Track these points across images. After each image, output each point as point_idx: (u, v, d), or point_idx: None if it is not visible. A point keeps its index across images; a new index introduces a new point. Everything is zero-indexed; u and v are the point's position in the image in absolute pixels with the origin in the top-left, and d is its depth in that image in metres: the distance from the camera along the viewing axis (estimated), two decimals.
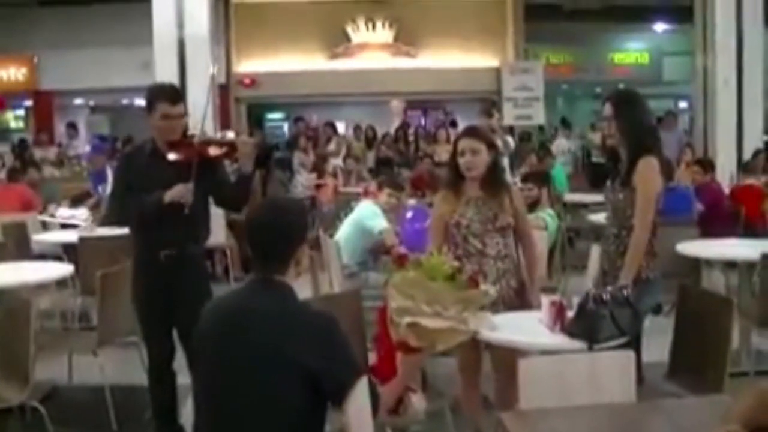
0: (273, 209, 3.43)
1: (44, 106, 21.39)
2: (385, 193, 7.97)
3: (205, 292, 5.36)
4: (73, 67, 19.32)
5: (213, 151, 5.29)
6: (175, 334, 5.45)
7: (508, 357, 4.82)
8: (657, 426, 3.24)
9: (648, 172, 4.94)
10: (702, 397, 3.61)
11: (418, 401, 3.57)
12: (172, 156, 5.20)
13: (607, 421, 3.21)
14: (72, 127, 19.44)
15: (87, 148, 18.77)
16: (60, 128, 21.22)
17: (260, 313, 3.19)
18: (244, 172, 5.38)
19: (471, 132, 5.34)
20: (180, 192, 5.14)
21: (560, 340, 4.31)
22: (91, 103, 24.00)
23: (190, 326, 4.88)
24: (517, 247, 5.23)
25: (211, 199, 5.57)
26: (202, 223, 5.53)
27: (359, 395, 3.10)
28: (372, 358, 4.85)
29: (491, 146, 5.18)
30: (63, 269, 7.09)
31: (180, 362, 5.45)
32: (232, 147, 5.34)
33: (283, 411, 3.11)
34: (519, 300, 5.11)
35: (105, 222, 9.01)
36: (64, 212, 10.90)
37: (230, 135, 6.23)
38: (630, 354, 3.73)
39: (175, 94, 5.39)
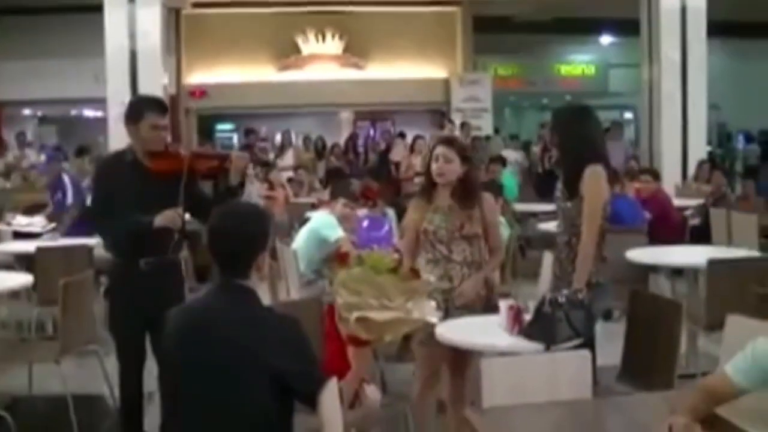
0: (234, 216, 3.48)
1: None
2: (341, 203, 8.08)
3: (183, 295, 5.51)
4: (22, 78, 19.21)
5: (204, 163, 5.38)
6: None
7: (460, 359, 5.02)
8: (612, 420, 3.41)
9: (594, 181, 5.13)
10: (653, 393, 3.77)
11: (372, 392, 3.68)
12: (158, 166, 5.26)
13: (565, 417, 3.36)
14: (22, 136, 19.32)
15: (42, 158, 18.73)
16: (8, 139, 21.06)
17: (225, 317, 3.27)
18: (232, 185, 5.47)
19: (447, 141, 5.50)
20: (170, 217, 5.18)
21: (518, 342, 4.48)
22: (40, 113, 23.86)
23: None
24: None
25: None
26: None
27: (330, 394, 3.21)
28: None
29: (465, 159, 5.34)
30: (24, 279, 7.08)
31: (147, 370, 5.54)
32: (223, 160, 5.43)
33: (252, 412, 3.18)
34: (488, 306, 5.23)
35: (70, 232, 9.04)
36: (21, 220, 10.89)
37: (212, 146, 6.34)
38: (586, 354, 3.89)
39: (163, 105, 5.47)
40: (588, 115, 5.52)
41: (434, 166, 5.29)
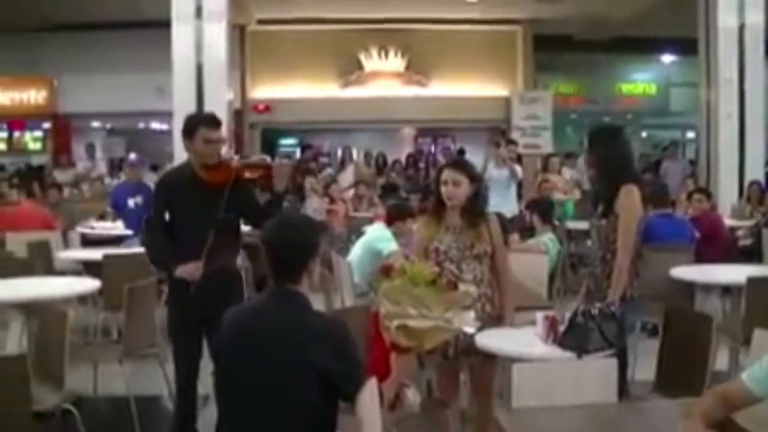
0: (288, 226, 3.80)
1: (62, 129, 21.79)
2: (408, 222, 8.24)
3: (241, 300, 5.81)
4: (90, 91, 19.72)
5: (251, 172, 5.70)
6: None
7: (485, 377, 5.27)
8: (632, 421, 3.61)
9: (628, 200, 5.37)
10: (676, 400, 3.96)
11: (413, 395, 3.93)
12: (211, 177, 5.59)
13: (588, 419, 3.58)
14: (91, 148, 19.81)
15: (103, 170, 19.28)
16: (77, 150, 21.64)
17: (277, 319, 3.54)
18: (278, 191, 5.80)
19: (454, 164, 5.70)
20: (189, 271, 5.55)
21: (553, 351, 4.71)
22: (108, 126, 24.42)
23: None
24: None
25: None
26: (236, 239, 5.94)
27: (370, 393, 3.46)
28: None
29: (473, 179, 5.50)
30: (92, 284, 7.42)
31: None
32: (268, 169, 5.75)
33: (300, 409, 3.45)
34: (497, 325, 5.40)
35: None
36: (105, 225, 11.36)
37: (263, 157, 6.68)
38: (613, 362, 4.12)
39: (215, 120, 5.80)
40: (621, 135, 5.75)
41: (443, 190, 5.45)
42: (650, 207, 7.89)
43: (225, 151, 5.99)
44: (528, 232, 9.38)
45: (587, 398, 3.80)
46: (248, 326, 3.61)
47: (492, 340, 4.96)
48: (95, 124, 23.83)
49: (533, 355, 4.68)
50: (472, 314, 3.93)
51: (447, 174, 5.48)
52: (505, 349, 4.85)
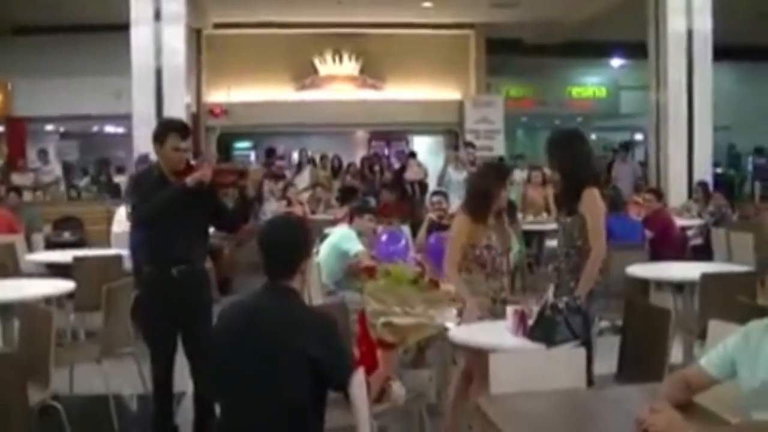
0: (282, 227, 4.08)
1: (17, 132, 21.64)
2: (367, 218, 8.58)
3: (211, 300, 6.09)
4: (46, 94, 19.60)
5: (224, 178, 5.89)
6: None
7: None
8: (601, 405, 3.87)
9: (591, 201, 5.67)
10: (641, 385, 4.22)
11: (398, 388, 4.17)
12: (189, 181, 5.73)
13: (561, 402, 3.83)
14: (43, 153, 19.75)
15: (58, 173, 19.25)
16: (31, 154, 21.52)
17: (272, 312, 3.76)
18: (248, 196, 5.99)
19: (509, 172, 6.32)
20: (199, 177, 5.67)
21: (522, 342, 4.97)
22: (62, 129, 24.32)
23: (198, 332, 5.52)
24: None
25: None
26: (205, 241, 6.14)
27: (358, 381, 3.69)
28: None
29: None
30: (67, 285, 7.56)
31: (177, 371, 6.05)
32: (240, 175, 5.93)
33: (291, 397, 3.66)
34: None
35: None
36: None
37: (234, 163, 6.86)
38: (581, 352, 4.40)
39: (185, 129, 6.01)
40: (581, 139, 6.04)
41: (503, 194, 5.95)
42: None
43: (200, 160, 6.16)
44: None
45: (558, 385, 4.05)
46: (243, 321, 3.81)
47: (465, 334, 5.20)
48: (49, 127, 23.72)
49: (504, 347, 4.91)
50: (453, 311, 4.17)
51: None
52: (479, 341, 5.09)
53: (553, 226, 10.96)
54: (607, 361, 5.64)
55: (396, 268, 4.04)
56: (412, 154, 21.00)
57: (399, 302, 3.88)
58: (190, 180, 5.67)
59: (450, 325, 4.37)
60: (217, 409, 5.44)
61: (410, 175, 19.25)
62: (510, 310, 5.20)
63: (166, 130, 5.90)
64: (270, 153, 19.92)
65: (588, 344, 5.07)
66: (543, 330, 4.93)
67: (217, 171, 5.98)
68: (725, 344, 3.58)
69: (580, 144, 6.00)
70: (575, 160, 5.83)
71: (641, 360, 5.43)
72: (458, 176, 12.76)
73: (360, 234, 8.49)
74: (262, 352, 3.67)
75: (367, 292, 3.97)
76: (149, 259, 5.96)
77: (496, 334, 5.15)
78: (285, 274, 3.84)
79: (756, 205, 16.41)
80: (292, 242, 3.90)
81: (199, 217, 5.88)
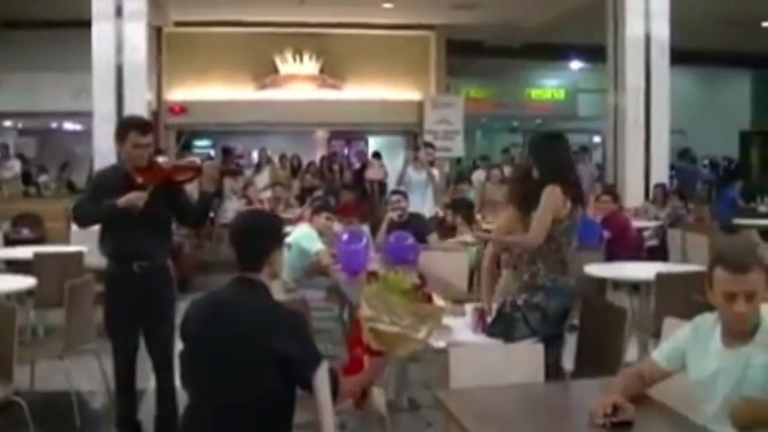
0: (252, 218, 4.22)
1: None
2: (324, 216, 8.69)
3: (173, 297, 6.13)
4: (4, 90, 19.35)
5: (181, 174, 5.94)
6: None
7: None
8: (558, 396, 3.99)
9: (546, 195, 5.59)
10: (599, 379, 4.32)
11: (378, 395, 4.25)
12: (142, 179, 5.80)
13: (519, 395, 3.93)
14: (4, 147, 19.60)
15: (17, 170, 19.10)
16: None
17: (239, 305, 3.81)
18: (206, 191, 6.05)
19: None
20: (132, 199, 5.70)
21: (481, 339, 5.07)
22: (20, 125, 24.16)
23: (160, 328, 5.57)
24: None
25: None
26: (168, 237, 6.19)
27: (323, 377, 3.74)
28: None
29: None
30: (29, 281, 7.59)
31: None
32: (197, 171, 5.99)
33: (260, 392, 3.70)
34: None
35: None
36: None
37: (196, 160, 6.90)
38: (539, 347, 4.50)
39: (145, 125, 6.06)
40: (558, 141, 6.13)
41: None
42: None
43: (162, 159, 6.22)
44: (450, 231, 9.75)
45: (516, 380, 4.16)
46: (211, 312, 3.86)
47: None
48: (7, 123, 23.54)
49: (463, 344, 5.00)
50: (451, 328, 4.26)
51: None
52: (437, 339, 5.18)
53: None
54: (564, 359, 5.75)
55: (393, 276, 4.09)
56: (376, 154, 21.13)
57: (387, 311, 3.94)
58: (122, 201, 5.70)
59: (439, 344, 4.46)
60: (181, 405, 5.59)
61: (371, 174, 19.38)
62: (469, 307, 5.31)
63: (126, 127, 5.94)
64: (226, 152, 19.93)
65: (559, 337, 5.22)
66: (502, 327, 5.05)
67: (175, 168, 6.07)
68: (676, 337, 3.73)
69: (552, 145, 6.08)
70: (544, 160, 5.90)
71: (597, 357, 5.53)
72: (418, 176, 12.84)
73: (321, 233, 8.58)
74: (228, 344, 3.72)
75: (363, 296, 4.05)
76: (111, 253, 6.00)
77: (456, 331, 5.24)
78: (254, 266, 3.89)
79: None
80: (260, 234, 3.97)
81: (161, 214, 5.92)
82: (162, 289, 6.00)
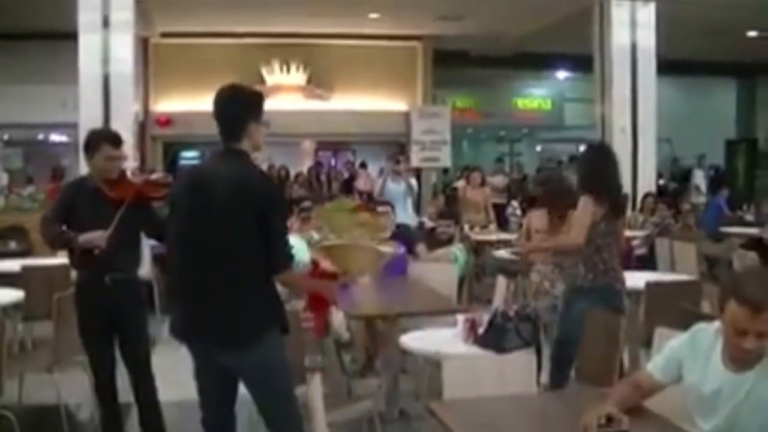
0: (230, 91, 4.52)
1: None
2: (314, 224, 8.67)
3: (145, 308, 6.15)
4: None
5: (153, 190, 5.91)
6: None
7: None
8: (553, 407, 3.97)
9: (581, 205, 6.04)
10: (591, 388, 4.33)
11: (338, 318, 4.46)
12: (113, 193, 5.78)
13: (513, 406, 3.92)
14: None
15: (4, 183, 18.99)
16: None
17: (224, 172, 4.23)
18: None
19: None
20: (92, 239, 5.67)
21: (473, 350, 5.06)
22: (5, 137, 24.06)
23: (134, 339, 5.57)
24: None
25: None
26: (139, 250, 6.22)
27: (285, 279, 4.34)
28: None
29: None
30: (16, 294, 7.58)
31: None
32: (169, 186, 5.95)
33: (243, 248, 4.11)
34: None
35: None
36: None
37: (165, 175, 6.88)
38: (531, 357, 4.50)
39: (117, 138, 6.03)
40: (603, 154, 6.48)
41: None
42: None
43: (130, 164, 6.18)
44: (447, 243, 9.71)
45: (509, 391, 4.15)
46: (199, 179, 4.34)
47: (415, 341, 5.29)
48: None
49: (455, 356, 5.00)
50: (386, 229, 4.41)
51: None
52: (430, 349, 5.18)
53: (500, 236, 11.30)
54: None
55: (341, 200, 4.46)
56: (363, 165, 21.10)
57: (334, 229, 4.23)
58: (82, 239, 5.68)
59: (386, 249, 4.62)
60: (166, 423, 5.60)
61: (360, 185, 19.37)
62: (461, 317, 5.30)
63: (98, 139, 5.92)
64: None
65: (570, 348, 5.34)
66: (493, 338, 5.04)
67: (146, 183, 6.04)
68: (671, 347, 3.69)
69: (593, 157, 6.55)
70: (588, 172, 6.27)
71: (593, 366, 5.55)
72: (397, 187, 12.93)
73: (309, 243, 8.56)
74: (216, 209, 4.14)
75: (315, 216, 4.37)
76: (82, 265, 5.96)
77: (447, 342, 5.24)
78: (235, 135, 4.32)
79: None
80: (237, 104, 4.43)
81: (132, 228, 5.88)
82: (133, 301, 5.97)
